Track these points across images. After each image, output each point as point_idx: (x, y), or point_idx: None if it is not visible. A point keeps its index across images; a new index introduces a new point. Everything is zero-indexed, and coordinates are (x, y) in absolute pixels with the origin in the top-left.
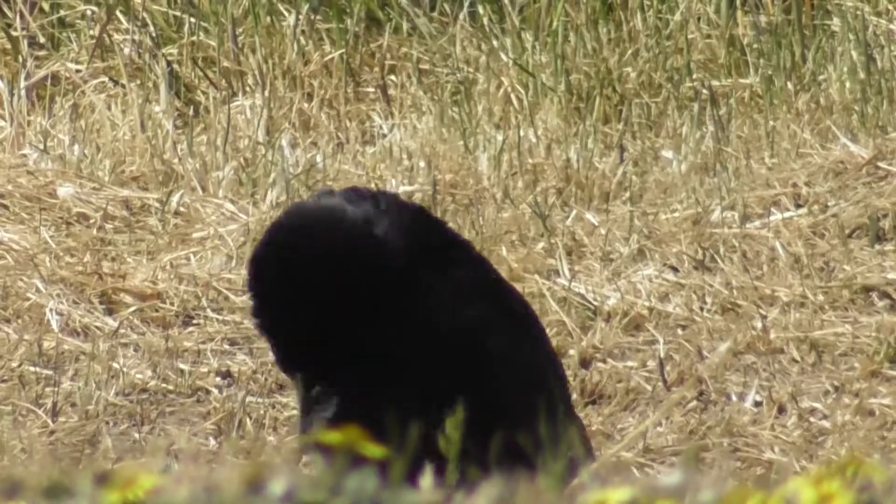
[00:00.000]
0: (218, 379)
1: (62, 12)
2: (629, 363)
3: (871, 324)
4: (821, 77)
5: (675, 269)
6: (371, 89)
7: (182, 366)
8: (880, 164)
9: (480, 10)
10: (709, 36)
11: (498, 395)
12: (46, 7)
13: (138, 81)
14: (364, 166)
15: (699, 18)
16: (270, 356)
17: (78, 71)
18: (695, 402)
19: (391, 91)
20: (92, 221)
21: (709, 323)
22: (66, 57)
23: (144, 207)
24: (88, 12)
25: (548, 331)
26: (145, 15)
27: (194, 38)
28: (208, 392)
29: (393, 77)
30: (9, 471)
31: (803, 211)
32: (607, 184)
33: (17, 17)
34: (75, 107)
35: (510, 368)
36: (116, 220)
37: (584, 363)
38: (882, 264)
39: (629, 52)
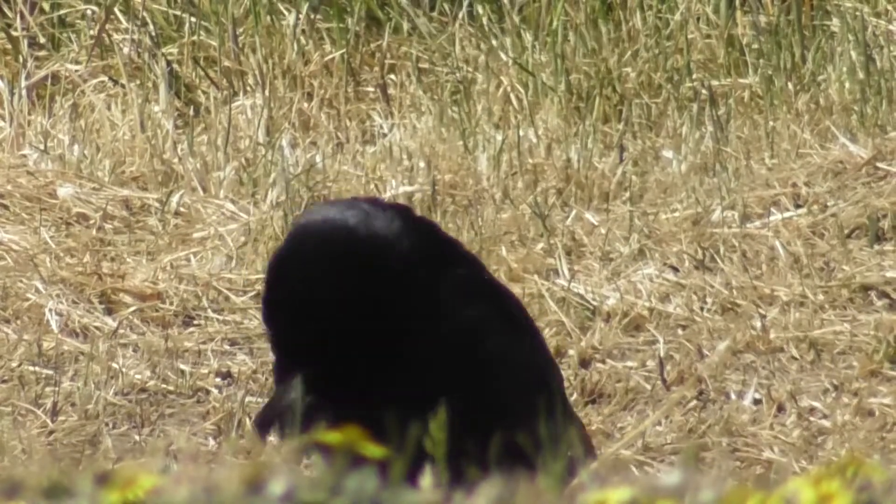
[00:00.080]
0: (218, 379)
1: (62, 11)
2: (629, 363)
3: (871, 323)
4: (820, 77)
5: (674, 269)
6: (371, 89)
7: (182, 366)
8: (879, 164)
9: (480, 9)
10: (708, 36)
11: (498, 394)
12: (46, 7)
13: (138, 81)
14: (364, 166)
15: (699, 18)
16: (270, 356)
17: (77, 71)
18: (694, 402)
19: (391, 91)
20: (92, 222)
21: (709, 323)
22: (66, 57)
23: (144, 207)
24: (88, 12)
25: (547, 331)
26: (145, 14)
27: (194, 37)
28: (208, 392)
29: (393, 77)
30: (9, 471)
31: (803, 211)
32: (607, 184)
33: (18, 17)
34: (75, 107)
35: (510, 368)
36: (116, 221)
37: (584, 363)
38: (881, 264)
39: (629, 52)
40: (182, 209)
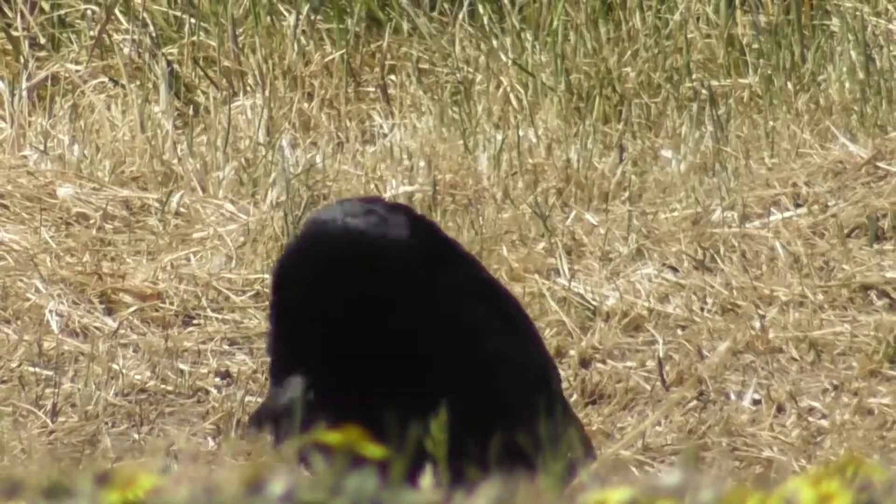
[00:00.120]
0: (217, 379)
1: (62, 11)
2: (629, 363)
3: (870, 323)
4: (820, 77)
5: (674, 269)
6: (371, 89)
7: (182, 366)
8: (879, 163)
9: (480, 9)
10: (708, 36)
11: (498, 394)
12: (46, 7)
13: (138, 81)
14: (364, 166)
15: (698, 18)
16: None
17: (78, 71)
18: (694, 402)
19: (391, 91)
20: (92, 222)
21: (708, 323)
22: (66, 57)
23: (144, 208)
24: (88, 12)
25: (548, 331)
26: (145, 15)
27: (194, 38)
28: (208, 392)
29: (393, 77)
30: (9, 471)
31: (803, 211)
32: (607, 184)
33: (18, 18)
34: (75, 107)
35: (510, 368)
36: (116, 221)
37: (584, 363)
38: (881, 263)
39: (629, 51)
40: (182, 209)
